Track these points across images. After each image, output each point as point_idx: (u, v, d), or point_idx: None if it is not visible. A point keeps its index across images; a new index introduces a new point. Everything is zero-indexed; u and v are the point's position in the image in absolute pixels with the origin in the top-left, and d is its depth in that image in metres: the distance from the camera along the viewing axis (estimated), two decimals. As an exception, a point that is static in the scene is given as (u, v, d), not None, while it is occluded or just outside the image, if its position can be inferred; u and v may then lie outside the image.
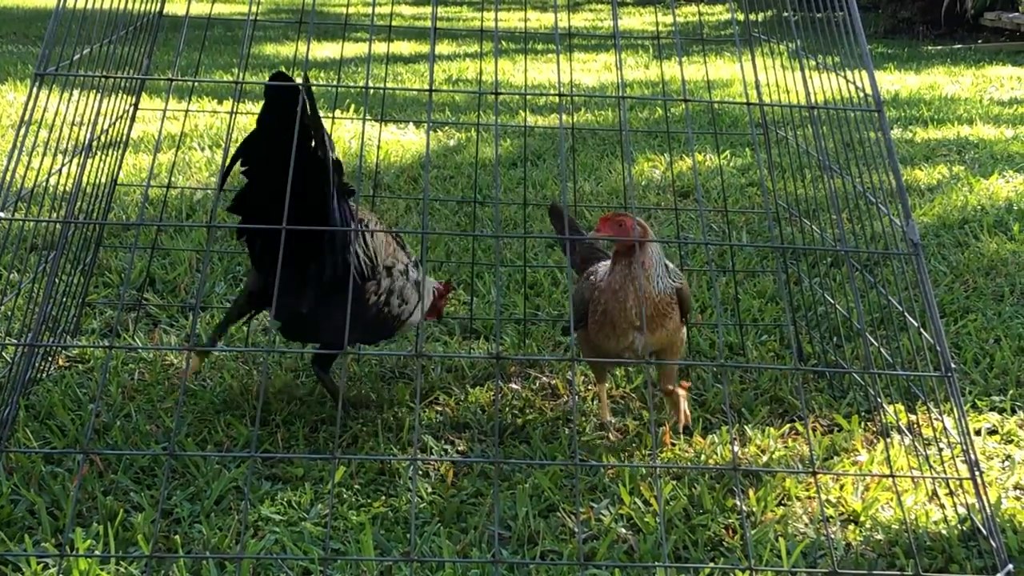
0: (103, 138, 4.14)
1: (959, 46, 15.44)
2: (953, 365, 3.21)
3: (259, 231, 3.70)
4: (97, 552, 3.14)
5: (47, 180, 3.88)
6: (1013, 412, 4.15)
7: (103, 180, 4.31)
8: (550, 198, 6.66)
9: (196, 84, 7.81)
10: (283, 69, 3.70)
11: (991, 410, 4.16)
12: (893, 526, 3.38)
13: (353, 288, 3.62)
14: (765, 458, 3.82)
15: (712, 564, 3.22)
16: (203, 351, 4.12)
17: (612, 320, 3.69)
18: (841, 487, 3.60)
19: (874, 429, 3.98)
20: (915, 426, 3.82)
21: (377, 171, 6.62)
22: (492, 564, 3.09)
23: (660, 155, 7.91)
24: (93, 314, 4.82)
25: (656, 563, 3.15)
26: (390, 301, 3.92)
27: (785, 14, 3.94)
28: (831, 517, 3.45)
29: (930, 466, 3.65)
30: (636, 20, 18.96)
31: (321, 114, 3.63)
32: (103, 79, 3.78)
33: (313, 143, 3.63)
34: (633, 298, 3.62)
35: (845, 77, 3.67)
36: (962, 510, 3.40)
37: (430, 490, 3.55)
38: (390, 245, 3.98)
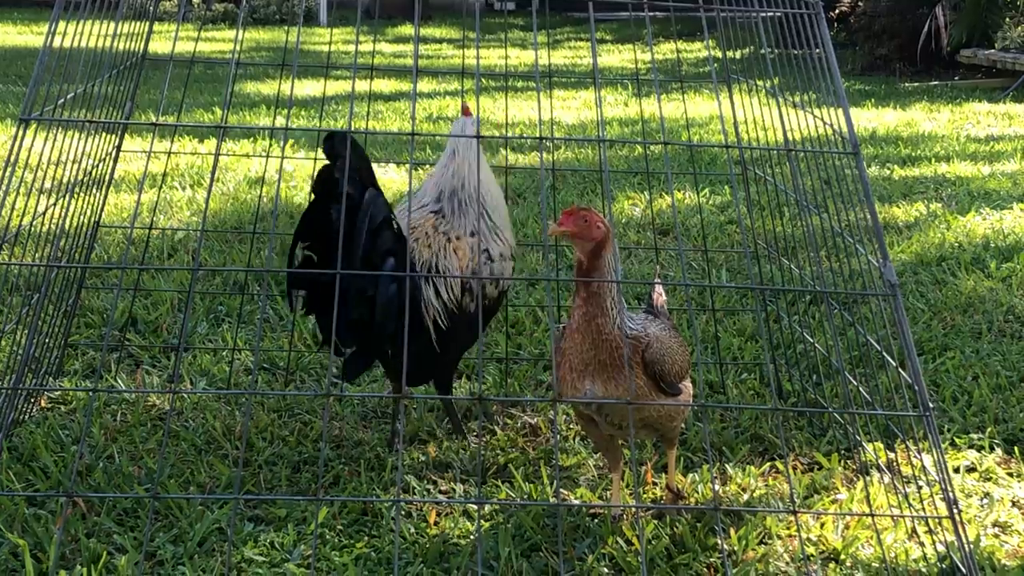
0: (86, 179, 4.15)
1: (936, 83, 15.57)
2: (931, 404, 3.23)
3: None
4: (80, 595, 3.14)
5: (31, 223, 3.89)
6: (991, 449, 4.17)
7: (85, 221, 4.32)
8: (531, 237, 6.69)
9: (177, 127, 7.83)
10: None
11: (969, 448, 4.19)
12: (873, 564, 3.40)
13: (455, 318, 3.97)
14: (746, 497, 3.84)
15: (694, 603, 3.24)
16: None
17: (569, 360, 3.38)
18: (822, 525, 3.62)
19: (854, 467, 4.01)
20: (894, 464, 3.85)
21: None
22: (475, 605, 3.10)
23: (640, 193, 7.95)
24: (75, 355, 4.82)
25: (638, 603, 3.16)
26: (487, 292, 4.02)
27: (762, 51, 3.98)
28: (812, 556, 3.47)
29: (909, 504, 3.67)
30: (615, 57, 19.07)
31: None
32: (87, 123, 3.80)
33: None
34: (592, 338, 3.33)
35: (822, 119, 3.71)
36: (941, 548, 3.42)
37: (413, 530, 3.56)
38: (465, 254, 4.00)
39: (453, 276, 3.92)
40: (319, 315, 3.91)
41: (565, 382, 3.41)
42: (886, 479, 3.83)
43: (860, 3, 18.20)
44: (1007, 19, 16.25)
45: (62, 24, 3.47)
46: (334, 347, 3.66)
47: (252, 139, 9.64)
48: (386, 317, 3.75)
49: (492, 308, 4.14)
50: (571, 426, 4.32)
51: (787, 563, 3.42)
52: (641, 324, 3.49)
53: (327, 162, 3.73)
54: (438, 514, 3.66)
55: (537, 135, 3.14)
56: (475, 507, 3.63)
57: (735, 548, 3.48)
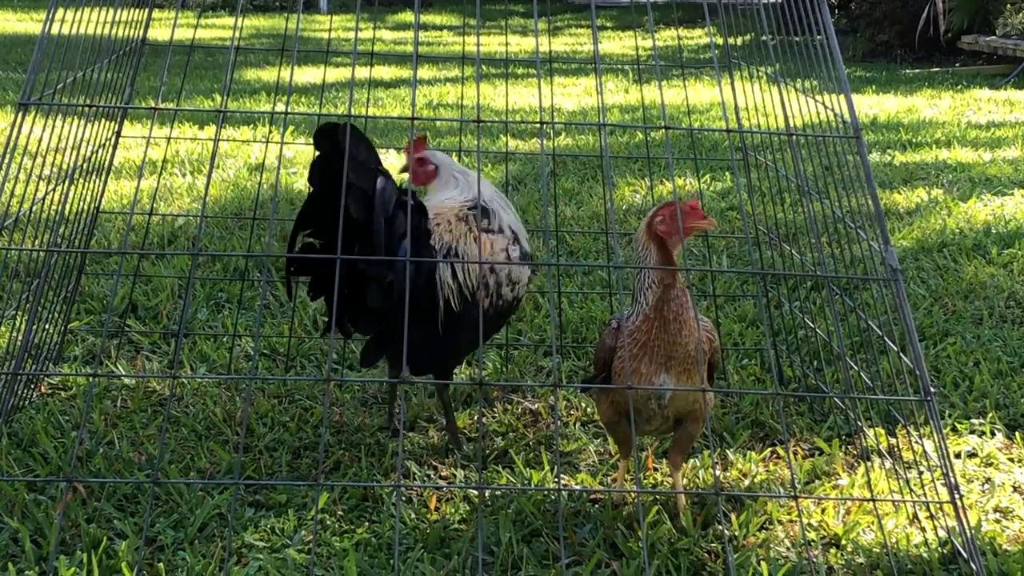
0: (85, 166, 4.15)
1: (937, 69, 15.54)
2: (932, 389, 3.23)
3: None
4: (81, 580, 3.14)
5: (31, 208, 3.88)
6: (993, 435, 4.17)
7: (85, 207, 4.31)
8: (532, 223, 6.68)
9: (177, 111, 7.82)
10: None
11: (971, 433, 4.18)
12: (874, 549, 3.40)
13: (468, 305, 3.85)
14: (747, 482, 3.83)
15: (695, 588, 3.24)
16: None
17: (651, 353, 3.32)
18: (823, 511, 3.62)
19: (855, 453, 4.00)
20: (895, 450, 3.84)
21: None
22: (476, 590, 3.10)
23: (640, 180, 7.94)
24: (75, 341, 4.82)
25: (639, 588, 3.16)
26: (502, 293, 3.95)
27: (763, 38, 3.97)
28: (813, 541, 3.47)
29: (911, 490, 3.66)
30: (616, 44, 19.04)
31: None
32: (86, 107, 3.79)
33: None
34: (685, 330, 3.31)
35: (823, 103, 3.70)
36: (943, 533, 3.42)
37: (413, 516, 3.56)
38: (486, 244, 3.93)
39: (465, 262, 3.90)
40: (328, 298, 3.86)
41: (639, 375, 3.34)
42: (887, 464, 3.83)
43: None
44: (1008, 5, 16.22)
45: (61, 11, 3.46)
46: (340, 330, 3.67)
47: (252, 126, 9.63)
48: (402, 301, 3.72)
49: (505, 312, 4.03)
50: (571, 412, 4.32)
51: (788, 548, 3.42)
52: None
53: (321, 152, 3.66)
54: (439, 499, 3.65)
55: (537, 120, 3.14)
56: (476, 492, 3.63)
57: (736, 533, 3.48)
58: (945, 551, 3.37)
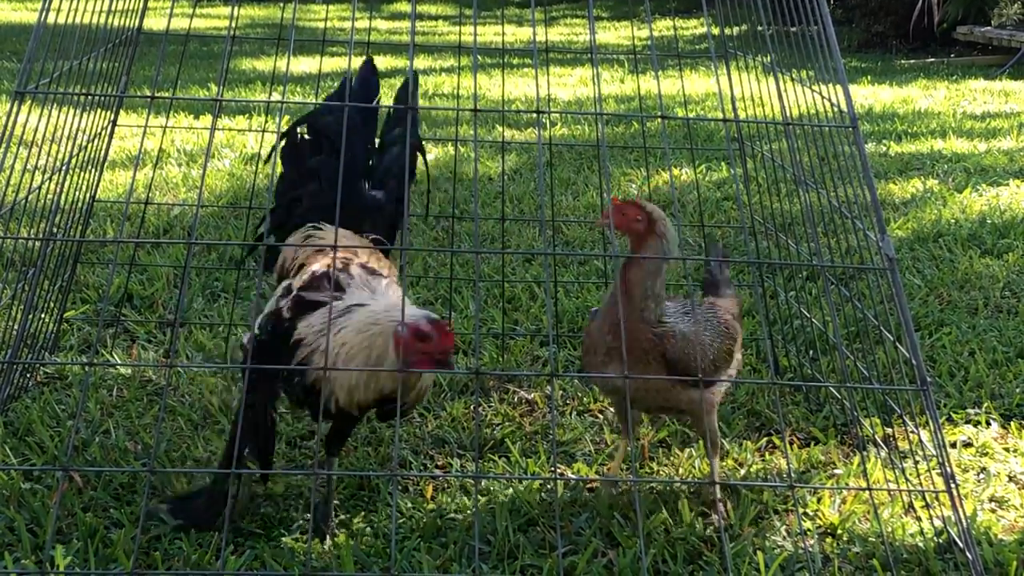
0: (81, 155, 4.14)
1: (932, 60, 15.54)
2: (928, 378, 3.23)
3: None
4: (77, 569, 3.14)
5: (27, 197, 3.88)
6: (988, 425, 4.18)
7: (81, 197, 4.31)
8: (528, 213, 6.68)
9: (173, 100, 7.82)
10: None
11: (966, 423, 4.19)
12: (870, 539, 3.40)
13: None
14: (743, 472, 3.84)
15: (691, 578, 3.24)
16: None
17: (592, 345, 3.41)
18: (818, 500, 3.62)
19: (850, 442, 4.01)
20: (891, 439, 3.85)
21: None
22: (472, 579, 3.10)
23: (637, 169, 7.94)
24: (71, 330, 4.81)
25: (635, 577, 3.16)
26: None
27: (760, 28, 3.97)
28: (808, 530, 3.47)
29: (906, 479, 3.67)
30: (612, 35, 19.01)
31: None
32: (82, 96, 3.79)
33: None
34: (608, 324, 3.33)
35: (820, 94, 3.70)
36: (938, 523, 3.43)
37: (410, 505, 3.56)
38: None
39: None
40: None
41: (591, 366, 3.40)
42: (883, 454, 3.84)
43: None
44: (1003, -4, 16.24)
45: (56, 0, 3.45)
46: None
47: (248, 115, 9.62)
48: None
49: None
50: (568, 401, 4.32)
51: (784, 538, 3.42)
52: (674, 319, 3.44)
53: None
54: (435, 489, 3.66)
55: (534, 110, 3.14)
56: (472, 482, 3.63)
57: (732, 522, 3.48)
58: (941, 540, 3.38)
